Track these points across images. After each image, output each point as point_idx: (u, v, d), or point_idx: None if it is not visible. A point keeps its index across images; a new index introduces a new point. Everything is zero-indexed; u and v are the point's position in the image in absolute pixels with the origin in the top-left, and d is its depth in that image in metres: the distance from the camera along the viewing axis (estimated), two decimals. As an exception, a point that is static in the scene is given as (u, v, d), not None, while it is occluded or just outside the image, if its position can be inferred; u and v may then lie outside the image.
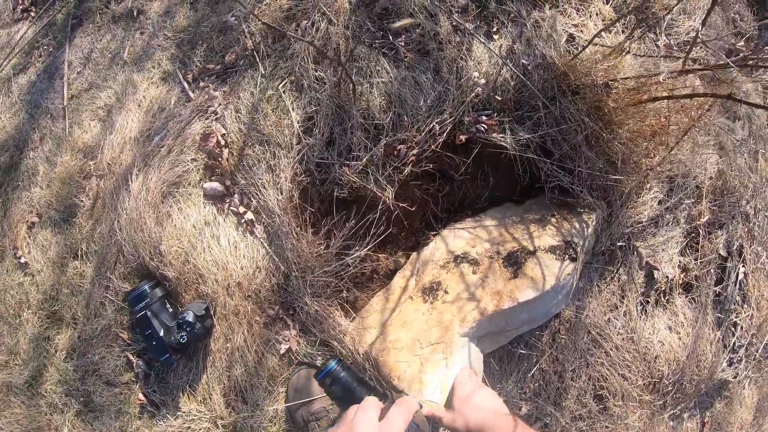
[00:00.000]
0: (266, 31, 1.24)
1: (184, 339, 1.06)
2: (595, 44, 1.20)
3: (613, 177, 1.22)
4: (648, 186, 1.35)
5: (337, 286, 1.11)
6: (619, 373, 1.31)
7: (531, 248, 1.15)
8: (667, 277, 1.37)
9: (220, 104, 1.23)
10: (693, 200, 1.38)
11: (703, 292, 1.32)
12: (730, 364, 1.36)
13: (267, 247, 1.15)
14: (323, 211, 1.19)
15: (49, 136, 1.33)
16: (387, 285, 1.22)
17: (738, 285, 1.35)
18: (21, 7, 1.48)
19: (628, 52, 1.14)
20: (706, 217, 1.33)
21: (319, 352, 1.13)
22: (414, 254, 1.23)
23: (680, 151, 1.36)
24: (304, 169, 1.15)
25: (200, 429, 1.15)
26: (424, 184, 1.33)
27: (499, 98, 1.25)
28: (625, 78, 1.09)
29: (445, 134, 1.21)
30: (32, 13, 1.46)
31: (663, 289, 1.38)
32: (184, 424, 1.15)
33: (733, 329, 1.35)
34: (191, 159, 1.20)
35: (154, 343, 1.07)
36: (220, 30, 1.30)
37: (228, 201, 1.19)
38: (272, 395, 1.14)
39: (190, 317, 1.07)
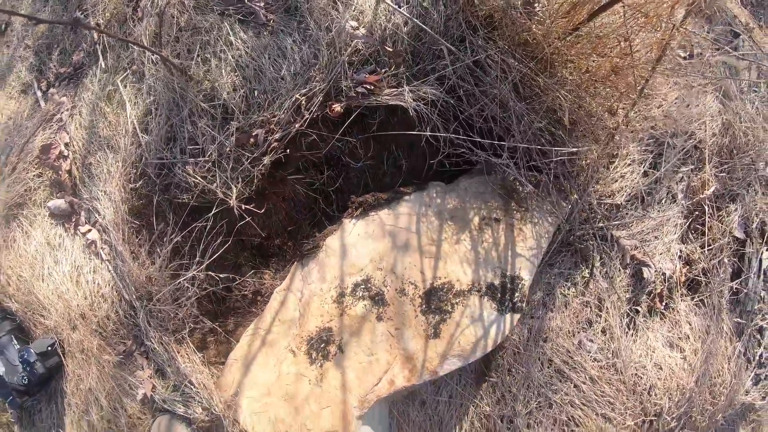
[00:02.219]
0: (111, 19, 1.05)
1: (25, 380, 0.92)
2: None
3: (563, 146, 0.84)
4: (622, 152, 0.95)
5: (182, 317, 0.89)
6: (597, 413, 0.94)
7: (458, 287, 0.84)
8: (664, 274, 0.97)
9: (66, 110, 1.06)
10: (692, 167, 0.95)
11: (716, 290, 0.90)
12: (756, 383, 0.92)
13: (112, 272, 0.96)
14: (175, 224, 0.96)
15: None
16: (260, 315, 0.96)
17: (763, 276, 0.90)
18: None
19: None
20: (713, 188, 0.90)
21: (179, 399, 0.92)
22: (295, 265, 0.96)
23: (664, 100, 0.93)
24: (140, 173, 0.94)
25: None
26: (307, 177, 1.05)
27: (390, 49, 0.93)
28: None
29: (315, 107, 0.92)
30: None
31: (659, 291, 0.97)
32: (55, 473, 1.02)
33: (758, 336, 0.91)
34: (35, 175, 1.05)
35: None
36: (72, 29, 1.14)
37: (74, 219, 1.02)
38: (137, 444, 0.96)
39: (30, 357, 0.92)
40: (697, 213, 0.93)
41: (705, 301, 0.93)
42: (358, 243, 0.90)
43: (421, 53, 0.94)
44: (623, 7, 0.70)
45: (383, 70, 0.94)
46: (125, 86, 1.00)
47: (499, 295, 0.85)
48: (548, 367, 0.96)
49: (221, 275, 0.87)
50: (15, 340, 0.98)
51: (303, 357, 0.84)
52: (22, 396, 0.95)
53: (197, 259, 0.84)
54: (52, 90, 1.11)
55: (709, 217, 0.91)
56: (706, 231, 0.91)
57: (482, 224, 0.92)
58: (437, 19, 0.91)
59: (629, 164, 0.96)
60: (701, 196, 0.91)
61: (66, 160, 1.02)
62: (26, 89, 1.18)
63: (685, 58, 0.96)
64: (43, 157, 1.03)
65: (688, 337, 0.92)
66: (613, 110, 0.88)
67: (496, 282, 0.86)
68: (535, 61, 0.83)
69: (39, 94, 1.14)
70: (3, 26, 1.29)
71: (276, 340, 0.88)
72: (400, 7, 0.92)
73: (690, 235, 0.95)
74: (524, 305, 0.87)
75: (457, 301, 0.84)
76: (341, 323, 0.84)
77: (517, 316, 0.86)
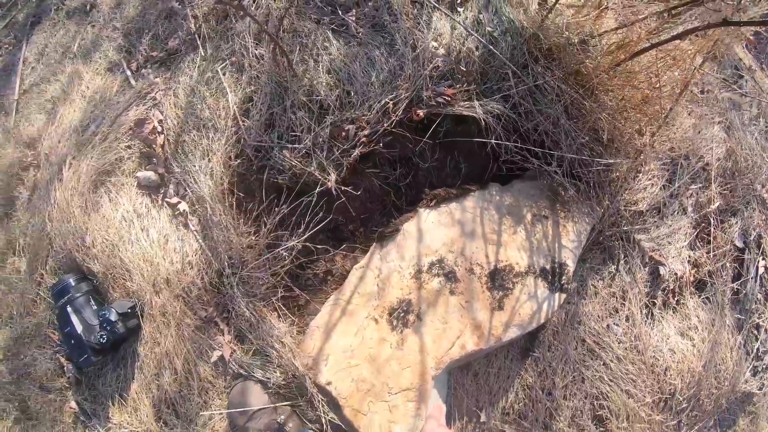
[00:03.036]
0: (209, 12, 1.17)
1: (104, 339, 0.95)
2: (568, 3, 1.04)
3: (601, 158, 1.03)
4: (645, 168, 1.16)
5: (274, 284, 0.97)
6: (622, 389, 1.09)
7: (518, 269, 0.99)
8: (676, 274, 1.16)
9: (160, 90, 1.15)
10: (701, 185, 1.17)
11: (719, 290, 1.09)
12: (754, 374, 1.11)
13: (200, 241, 1.03)
14: (265, 201, 1.06)
15: (2, 131, 1.30)
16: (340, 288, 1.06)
17: (759, 280, 1.11)
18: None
19: (606, 7, 0.98)
20: (717, 204, 1.12)
21: (257, 363, 0.99)
22: (373, 246, 1.07)
23: (681, 126, 1.16)
24: (239, 153, 1.04)
25: (131, 444, 1.03)
26: (383, 171, 1.19)
27: (464, 69, 1.11)
28: (603, 32, 0.93)
29: (400, 111, 1.07)
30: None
31: (671, 288, 1.16)
32: (114, 439, 1.03)
33: (755, 332, 1.11)
34: (126, 146, 1.12)
35: (72, 341, 0.97)
36: (165, 17, 1.25)
37: (162, 191, 1.10)
38: (206, 409, 1.00)
39: (111, 315, 0.96)
40: (703, 224, 1.14)
41: (710, 298, 1.12)
42: (432, 229, 1.04)
43: (488, 74, 1.12)
44: (657, 51, 0.91)
45: (458, 86, 1.11)
46: (224, 74, 1.11)
47: (550, 277, 1.01)
48: (582, 346, 1.11)
49: (319, 246, 0.97)
50: (92, 301, 1.02)
51: (385, 324, 0.95)
52: (97, 355, 0.98)
53: (300, 230, 0.94)
54: (145, 70, 1.20)
55: (714, 228, 1.12)
56: (712, 240, 1.12)
57: (534, 220, 1.08)
58: (504, 47, 1.10)
59: (650, 178, 1.17)
60: (708, 210, 1.13)
61: (160, 135, 1.10)
62: (113, 68, 1.26)
63: (699, 93, 1.19)
64: (136, 130, 1.10)
65: (697, 328, 1.10)
66: (641, 132, 1.09)
67: (548, 266, 1.02)
68: (583, 89, 1.03)
69: (128, 73, 1.22)
70: (88, 6, 1.38)
71: (356, 310, 0.98)
72: (470, 34, 1.10)
73: (698, 243, 1.16)
74: (569, 287, 1.02)
75: (517, 280, 0.99)
76: (419, 296, 0.96)
77: (563, 296, 1.01)
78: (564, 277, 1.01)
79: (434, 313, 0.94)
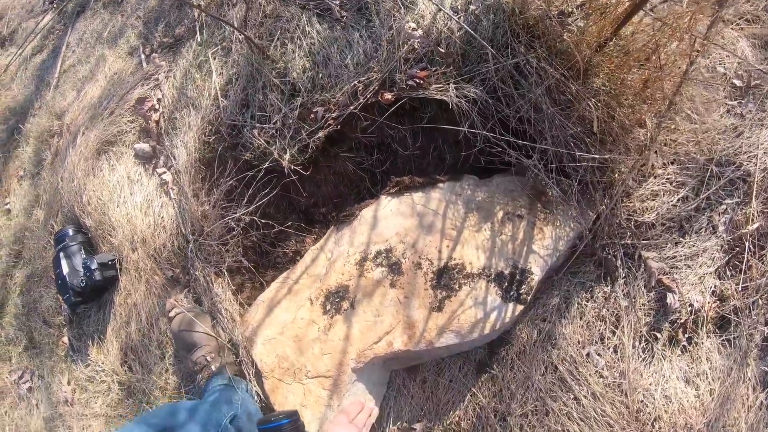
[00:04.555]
0: (210, 1, 1.26)
1: (83, 283, 1.09)
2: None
3: (590, 153, 0.88)
4: (654, 170, 0.95)
5: (225, 251, 1.01)
6: (593, 432, 0.91)
7: (470, 270, 0.89)
8: (692, 306, 0.93)
9: (163, 72, 1.28)
10: (738, 199, 0.92)
11: (745, 333, 0.85)
12: None
13: (176, 208, 1.12)
14: (234, 177, 1.11)
15: (43, 104, 1.58)
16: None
17: None
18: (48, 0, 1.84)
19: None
20: (757, 224, 0.87)
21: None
22: (331, 229, 1.06)
23: (704, 118, 0.92)
24: (215, 130, 1.10)
25: (101, 381, 1.15)
26: (358, 156, 1.16)
27: (443, 50, 1.03)
28: (582, 2, 0.79)
29: (369, 94, 1.04)
30: (54, 4, 1.80)
31: (684, 321, 0.93)
32: (90, 374, 1.17)
33: None
34: (128, 121, 1.26)
35: (60, 282, 1.13)
36: (177, 6, 1.39)
37: (154, 162, 1.21)
38: (163, 362, 1.09)
39: (92, 264, 1.09)
40: (737, 249, 0.89)
41: (732, 341, 0.88)
42: (389, 217, 0.98)
43: (470, 56, 1.03)
44: (653, 21, 0.74)
45: (434, 69, 1.04)
46: (214, 58, 1.19)
47: (506, 284, 0.88)
48: (552, 374, 0.95)
49: (264, 221, 0.99)
50: (83, 250, 1.17)
51: (318, 307, 0.92)
52: (77, 296, 1.12)
53: (245, 202, 0.97)
54: (153, 55, 1.35)
55: (749, 255, 0.87)
56: (745, 269, 0.87)
57: (505, 218, 0.96)
58: (486, 25, 1.00)
59: (663, 183, 0.96)
60: (744, 231, 0.88)
61: (156, 112, 1.22)
62: (132, 52, 1.44)
63: (740, 88, 0.95)
64: (137, 107, 1.24)
65: (707, 375, 0.87)
66: (642, 123, 0.90)
67: (506, 271, 0.89)
68: (570, 70, 0.89)
69: (142, 57, 1.38)
70: (121, -1, 1.60)
71: (301, 290, 0.98)
72: (456, 14, 1.02)
73: (727, 271, 0.92)
74: (529, 298, 0.88)
75: (466, 282, 0.88)
76: (358, 283, 0.92)
77: (519, 307, 0.88)
78: (524, 287, 0.88)
79: (368, 304, 0.89)
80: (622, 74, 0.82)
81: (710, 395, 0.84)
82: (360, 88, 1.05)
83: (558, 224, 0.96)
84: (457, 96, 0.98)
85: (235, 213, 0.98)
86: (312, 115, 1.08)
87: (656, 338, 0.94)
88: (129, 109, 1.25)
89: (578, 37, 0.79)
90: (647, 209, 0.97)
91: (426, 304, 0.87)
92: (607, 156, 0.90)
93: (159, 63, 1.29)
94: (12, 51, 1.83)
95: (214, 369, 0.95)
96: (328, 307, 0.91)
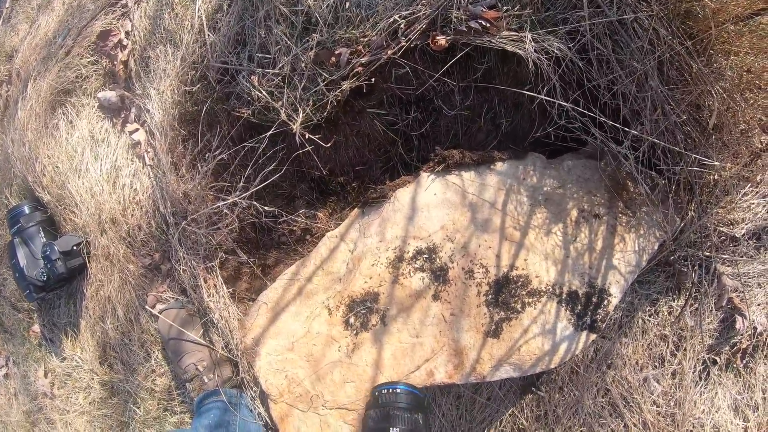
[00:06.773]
0: None
1: (44, 277, 0.87)
2: None
3: (697, 150, 0.65)
4: (758, 179, 0.75)
5: (217, 243, 0.79)
6: (640, 464, 0.80)
7: (536, 285, 0.69)
8: (755, 328, 0.79)
9: (131, -7, 0.95)
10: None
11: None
12: None
13: (152, 179, 0.87)
14: (225, 139, 0.85)
15: None
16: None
17: None
18: None
19: None
20: None
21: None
22: (355, 211, 0.83)
23: None
24: (200, 76, 0.82)
25: (81, 379, 0.99)
26: (390, 114, 0.90)
27: (519, -17, 0.74)
28: None
29: (414, 35, 0.76)
30: None
31: (743, 346, 0.79)
32: (67, 369, 1.00)
33: None
34: (90, 62, 0.95)
35: (17, 274, 0.91)
36: None
37: (123, 115, 0.93)
38: (148, 361, 0.91)
39: (53, 254, 0.86)
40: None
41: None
42: (432, 204, 0.76)
43: (555, -4, 0.75)
44: None
45: (505, 9, 0.76)
46: (199, -26, 0.87)
47: (579, 307, 0.70)
48: (603, 397, 0.82)
49: (267, 208, 0.75)
50: (42, 233, 0.93)
51: (339, 319, 0.73)
52: (39, 292, 0.91)
53: (242, 183, 0.73)
54: None
55: None
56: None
57: (580, 218, 0.75)
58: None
59: (763, 196, 0.76)
60: None
61: (124, 50, 0.92)
62: None
63: None
64: (99, 44, 0.93)
65: (758, 407, 0.76)
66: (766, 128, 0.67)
67: (580, 291, 0.71)
68: (693, 41, 0.63)
69: None
70: None
71: (315, 292, 0.78)
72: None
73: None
74: (603, 326, 0.71)
75: (531, 300, 0.70)
76: (391, 292, 0.72)
77: (592, 337, 0.71)
78: (600, 311, 0.70)
79: (405, 321, 0.71)
80: (756, 61, 0.57)
81: (758, 429, 0.73)
82: (402, 26, 0.77)
83: (642, 232, 0.76)
84: (536, 50, 0.72)
85: (228, 197, 0.74)
86: (333, 59, 0.79)
87: (714, 362, 0.81)
88: (90, 47, 0.94)
89: (719, 2, 0.52)
90: (739, 221, 0.78)
91: (479, 325, 0.69)
92: (712, 159, 0.68)
93: (123, -22, 0.95)
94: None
95: (206, 381, 0.78)
96: (352, 321, 0.72)
